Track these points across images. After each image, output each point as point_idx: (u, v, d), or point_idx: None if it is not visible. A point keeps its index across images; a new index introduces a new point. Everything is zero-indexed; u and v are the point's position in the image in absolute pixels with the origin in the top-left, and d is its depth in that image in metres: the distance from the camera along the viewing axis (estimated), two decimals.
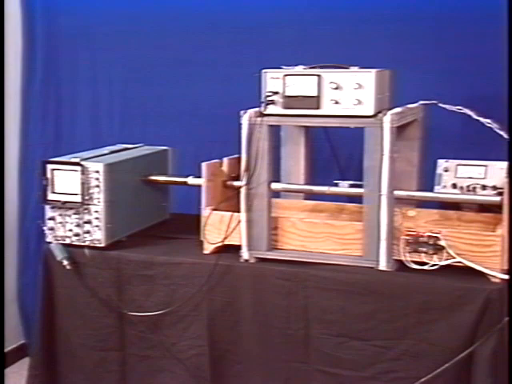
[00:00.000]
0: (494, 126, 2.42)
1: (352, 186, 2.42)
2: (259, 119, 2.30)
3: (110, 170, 2.47)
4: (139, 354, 2.49)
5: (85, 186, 2.44)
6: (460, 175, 2.50)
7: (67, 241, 2.50)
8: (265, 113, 2.30)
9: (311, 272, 2.28)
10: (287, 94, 2.27)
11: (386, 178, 2.21)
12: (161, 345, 2.45)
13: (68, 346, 2.57)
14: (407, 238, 2.23)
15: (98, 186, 2.44)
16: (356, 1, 2.95)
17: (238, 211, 2.37)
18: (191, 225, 2.55)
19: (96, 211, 2.46)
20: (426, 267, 2.20)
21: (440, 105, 2.48)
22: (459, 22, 2.81)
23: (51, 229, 2.51)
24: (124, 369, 2.52)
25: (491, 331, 2.08)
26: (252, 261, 2.37)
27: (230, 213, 2.41)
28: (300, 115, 2.29)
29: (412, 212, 2.50)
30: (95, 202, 2.45)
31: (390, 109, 2.29)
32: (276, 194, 2.55)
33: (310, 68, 2.30)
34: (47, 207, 2.51)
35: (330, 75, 2.25)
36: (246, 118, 2.31)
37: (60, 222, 2.50)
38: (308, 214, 2.66)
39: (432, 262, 2.20)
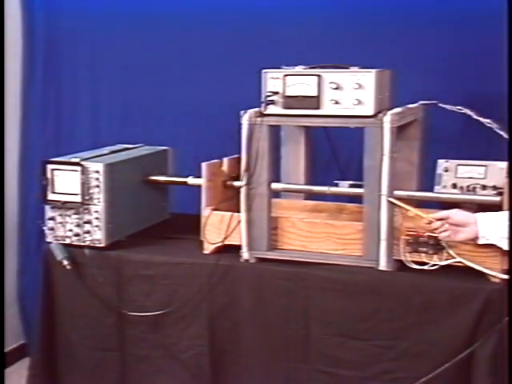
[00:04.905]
0: (494, 126, 2.42)
1: (352, 185, 2.42)
2: (259, 119, 2.30)
3: (110, 170, 2.47)
4: (139, 353, 2.49)
5: (85, 186, 2.44)
6: (460, 175, 2.50)
7: (67, 241, 2.50)
8: (265, 113, 2.29)
9: (311, 272, 2.28)
10: (287, 94, 2.27)
11: (386, 178, 2.21)
12: (161, 345, 2.45)
13: (68, 346, 2.57)
14: (407, 237, 2.23)
15: (98, 186, 2.44)
16: (356, 1, 2.95)
17: (238, 211, 2.37)
18: (191, 225, 2.55)
19: (96, 211, 2.46)
20: (426, 267, 2.20)
21: (440, 105, 2.48)
22: (459, 21, 2.81)
23: (51, 229, 2.51)
24: (124, 369, 2.52)
25: (491, 331, 2.08)
26: (252, 261, 2.37)
27: (229, 213, 2.41)
28: (300, 115, 2.29)
29: (412, 212, 2.50)
30: (95, 201, 2.45)
31: (390, 109, 2.29)
32: (276, 194, 2.55)
33: (310, 68, 2.30)
34: (47, 207, 2.51)
35: (330, 75, 2.24)
36: (245, 118, 2.31)
37: (60, 222, 2.50)
38: (308, 213, 2.65)
39: (432, 262, 2.20)
